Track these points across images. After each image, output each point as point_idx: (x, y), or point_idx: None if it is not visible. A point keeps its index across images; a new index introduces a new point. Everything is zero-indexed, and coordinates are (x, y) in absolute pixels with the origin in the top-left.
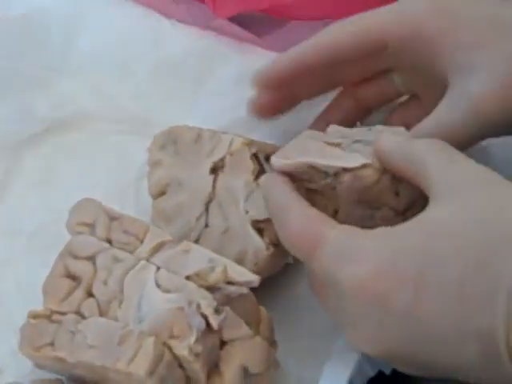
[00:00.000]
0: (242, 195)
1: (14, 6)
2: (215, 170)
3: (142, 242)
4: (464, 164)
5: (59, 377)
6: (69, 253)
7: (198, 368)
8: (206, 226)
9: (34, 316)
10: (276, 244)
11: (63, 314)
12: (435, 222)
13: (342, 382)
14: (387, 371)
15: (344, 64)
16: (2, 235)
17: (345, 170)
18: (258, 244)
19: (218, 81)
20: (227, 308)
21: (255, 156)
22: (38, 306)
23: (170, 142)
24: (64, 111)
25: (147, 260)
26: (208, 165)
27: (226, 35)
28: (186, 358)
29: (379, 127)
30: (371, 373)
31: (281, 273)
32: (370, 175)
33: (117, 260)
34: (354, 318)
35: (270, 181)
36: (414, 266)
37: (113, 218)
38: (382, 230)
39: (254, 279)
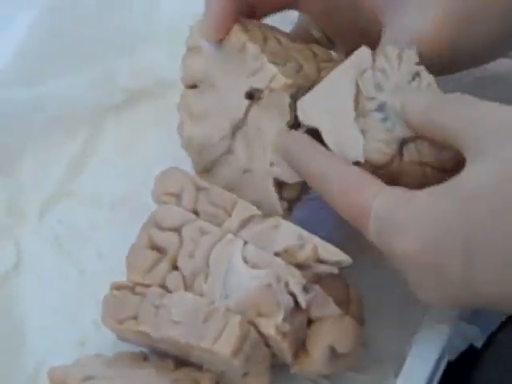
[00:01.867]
0: (268, 142)
1: None
2: (251, 96)
3: (229, 214)
4: (500, 116)
5: (142, 349)
6: (154, 223)
7: (285, 347)
8: (228, 151)
9: (117, 287)
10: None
11: (147, 286)
12: (475, 183)
13: (433, 356)
14: (479, 345)
15: None
16: (84, 205)
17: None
18: (273, 203)
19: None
20: (316, 286)
21: (294, 99)
22: (121, 278)
23: None
24: (145, 79)
25: (234, 234)
26: (245, 87)
27: None
28: (273, 336)
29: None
30: (462, 346)
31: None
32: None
33: (203, 232)
34: (416, 284)
35: (298, 142)
36: (459, 232)
37: (200, 188)
38: (423, 197)
39: (346, 259)
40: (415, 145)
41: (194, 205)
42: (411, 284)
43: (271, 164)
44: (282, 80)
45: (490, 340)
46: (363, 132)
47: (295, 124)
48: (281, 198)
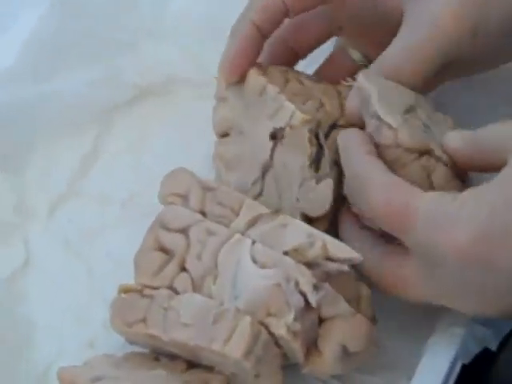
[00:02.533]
0: (296, 179)
1: None
2: (275, 136)
3: (237, 214)
4: None
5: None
6: (160, 225)
7: (296, 347)
8: (260, 194)
9: (126, 290)
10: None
11: (155, 288)
12: None
13: (448, 359)
14: (493, 347)
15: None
16: (93, 203)
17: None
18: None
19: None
20: (326, 284)
21: (315, 135)
22: (130, 278)
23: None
24: (155, 77)
25: (242, 234)
26: (269, 128)
27: None
28: (284, 337)
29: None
30: (476, 349)
31: None
32: None
33: (210, 233)
34: (459, 287)
35: (346, 141)
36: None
37: (207, 188)
38: (470, 192)
39: (356, 256)
40: None
41: (201, 205)
42: (451, 294)
43: (297, 199)
44: (300, 116)
45: (505, 342)
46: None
47: (316, 159)
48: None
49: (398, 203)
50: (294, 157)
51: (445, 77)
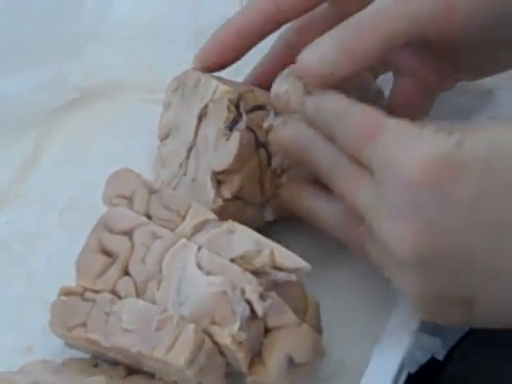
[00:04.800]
0: (211, 145)
1: None
2: (201, 116)
3: (183, 218)
4: None
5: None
6: (104, 226)
7: (240, 357)
8: (185, 174)
9: (66, 293)
10: (238, 197)
11: (97, 292)
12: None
13: (393, 368)
14: (440, 357)
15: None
16: (33, 207)
17: None
18: (209, 196)
19: (259, 50)
20: (273, 294)
21: (236, 105)
22: (70, 282)
23: (181, 84)
24: (97, 79)
25: (188, 239)
26: (196, 110)
27: None
28: (229, 346)
29: None
30: (423, 358)
31: (328, 258)
32: None
33: (156, 237)
34: (408, 207)
35: (325, 91)
36: (480, 156)
37: (152, 191)
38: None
39: (305, 266)
40: None
41: (146, 208)
42: (396, 212)
43: (209, 161)
44: (221, 88)
45: (452, 352)
46: None
47: (233, 122)
48: (218, 195)
49: (370, 118)
50: (214, 126)
51: (432, 68)
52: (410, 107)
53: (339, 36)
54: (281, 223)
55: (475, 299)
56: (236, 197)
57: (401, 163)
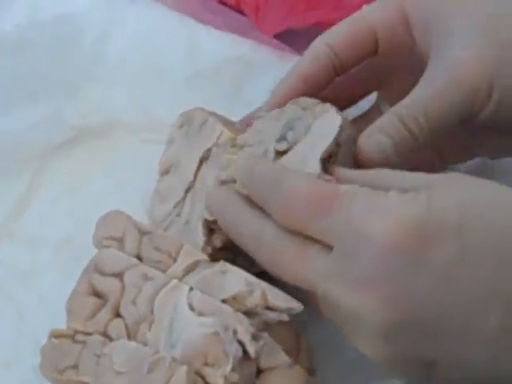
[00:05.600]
0: (208, 191)
1: (46, 10)
2: (203, 159)
3: (174, 260)
4: None
5: None
6: (94, 268)
7: None
8: (178, 214)
9: (57, 335)
10: (225, 248)
11: (88, 334)
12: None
13: None
14: None
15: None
16: (26, 245)
17: None
18: (199, 243)
19: (255, 90)
20: (265, 334)
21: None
22: (62, 322)
23: (187, 122)
24: (94, 118)
25: (180, 280)
26: (199, 152)
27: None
28: None
29: None
30: None
31: None
32: None
33: (147, 278)
34: (379, 275)
35: (257, 159)
36: (451, 220)
37: (143, 232)
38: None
39: (297, 306)
40: None
41: (137, 250)
42: (361, 282)
43: (205, 208)
44: (227, 134)
45: None
46: None
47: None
48: (207, 243)
49: (323, 187)
50: (213, 171)
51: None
52: None
53: (395, 127)
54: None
55: (440, 361)
56: (226, 247)
57: (369, 231)
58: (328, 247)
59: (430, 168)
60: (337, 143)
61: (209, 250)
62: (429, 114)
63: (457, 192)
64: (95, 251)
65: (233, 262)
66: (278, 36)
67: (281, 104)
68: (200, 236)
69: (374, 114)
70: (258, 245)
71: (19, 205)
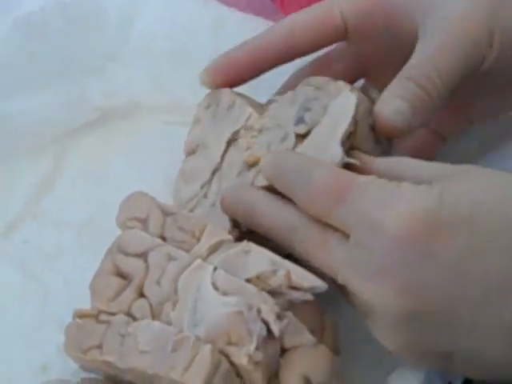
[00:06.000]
0: (235, 172)
1: None
2: (231, 141)
3: (198, 240)
4: None
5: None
6: (118, 249)
7: (257, 377)
8: (205, 196)
9: (81, 315)
10: (250, 231)
11: (112, 314)
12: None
13: None
14: (458, 382)
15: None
16: (50, 226)
17: None
18: (225, 226)
19: (277, 73)
20: (289, 313)
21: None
22: (86, 303)
23: (214, 102)
24: (117, 100)
25: (204, 260)
26: (227, 134)
27: None
28: (245, 366)
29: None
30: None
31: None
32: None
33: (171, 258)
34: (391, 265)
35: (281, 152)
36: (463, 212)
37: (167, 213)
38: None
39: (321, 285)
40: None
41: (161, 230)
42: (373, 273)
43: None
44: (255, 116)
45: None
46: None
47: None
48: (234, 226)
49: (340, 177)
50: (241, 154)
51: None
52: (418, 155)
53: (409, 89)
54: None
55: (455, 352)
56: (251, 230)
57: (382, 221)
58: (346, 236)
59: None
60: (354, 121)
61: (235, 232)
62: (439, 69)
63: (470, 184)
64: (117, 233)
65: (258, 243)
66: None
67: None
68: (226, 219)
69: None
70: (286, 233)
71: (43, 186)
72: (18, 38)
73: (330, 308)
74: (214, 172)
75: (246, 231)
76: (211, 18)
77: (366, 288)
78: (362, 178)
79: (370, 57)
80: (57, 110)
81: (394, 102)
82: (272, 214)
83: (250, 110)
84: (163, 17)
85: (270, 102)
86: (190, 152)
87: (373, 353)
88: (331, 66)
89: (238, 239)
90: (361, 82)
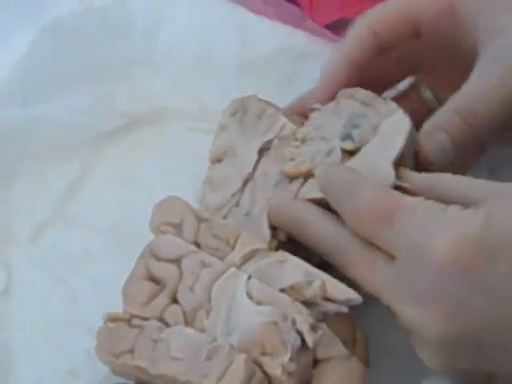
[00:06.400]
0: (272, 183)
1: None
2: (262, 150)
3: (232, 248)
4: None
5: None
6: (151, 253)
7: None
8: (237, 204)
9: (113, 319)
10: (291, 241)
11: (144, 319)
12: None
13: None
14: None
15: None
16: (78, 230)
17: None
18: (263, 234)
19: (306, 81)
20: (323, 325)
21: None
22: (114, 307)
23: (241, 110)
24: (145, 106)
25: (238, 268)
26: (258, 143)
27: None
28: (279, 377)
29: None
30: None
31: None
32: None
33: (204, 265)
34: (435, 291)
35: (332, 166)
36: (510, 237)
37: (201, 219)
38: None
39: (356, 297)
40: None
41: (194, 236)
42: (421, 298)
43: (268, 200)
44: (290, 126)
45: None
46: None
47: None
48: (273, 236)
49: (388, 197)
50: (277, 164)
51: None
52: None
53: (455, 124)
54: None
55: (499, 375)
56: (290, 240)
57: (427, 247)
58: (392, 257)
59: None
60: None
61: (274, 243)
62: (490, 109)
63: None
64: (145, 237)
65: (293, 253)
66: (330, 26)
67: (333, 91)
68: (265, 230)
69: (413, 96)
70: (333, 248)
71: (71, 190)
72: (46, 43)
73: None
74: (245, 181)
75: (284, 241)
76: (238, 24)
77: (410, 312)
78: (409, 200)
79: (428, 55)
80: (85, 115)
81: (438, 137)
82: (321, 228)
83: (283, 119)
84: (190, 23)
85: (312, 109)
86: (216, 159)
87: (402, 361)
88: (388, 53)
89: (276, 249)
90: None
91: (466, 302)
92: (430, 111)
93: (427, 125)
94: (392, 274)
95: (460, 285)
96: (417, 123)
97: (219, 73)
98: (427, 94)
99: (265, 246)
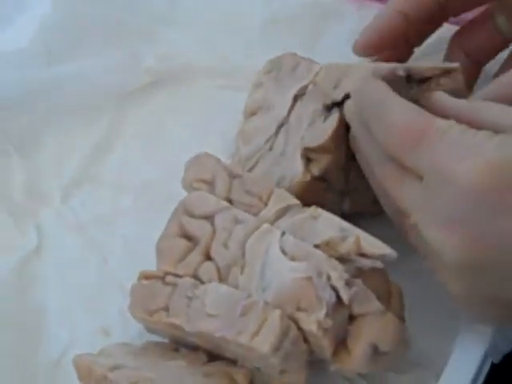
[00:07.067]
0: (306, 122)
1: None
2: (297, 96)
3: (265, 204)
4: None
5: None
6: (185, 210)
7: (325, 344)
8: (271, 149)
9: (147, 276)
10: (323, 178)
11: (179, 276)
12: None
13: (476, 359)
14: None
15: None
16: (108, 189)
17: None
18: (297, 170)
19: (332, 38)
20: (359, 281)
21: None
22: (146, 266)
23: (276, 67)
24: (171, 64)
25: (271, 224)
26: (294, 90)
27: None
28: (314, 333)
29: None
30: (506, 348)
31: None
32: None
33: (238, 221)
34: (461, 216)
35: (367, 80)
36: None
37: (233, 175)
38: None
39: (391, 253)
40: None
41: (227, 193)
42: (448, 223)
43: (302, 138)
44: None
45: None
46: None
47: (330, 105)
48: (306, 171)
49: (419, 119)
50: (310, 106)
51: None
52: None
53: None
54: (356, 218)
55: None
56: (322, 177)
57: (454, 171)
58: (420, 178)
59: None
60: None
61: (308, 177)
62: None
63: None
64: (175, 195)
65: (324, 194)
66: None
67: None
68: (299, 164)
69: (488, 24)
70: (367, 166)
71: (98, 150)
72: (70, 2)
73: (394, 275)
74: (279, 126)
75: (317, 176)
76: None
77: (434, 234)
78: (441, 122)
79: None
80: (110, 74)
81: None
82: (365, 140)
83: (319, 66)
84: None
85: None
86: (250, 114)
87: (437, 318)
88: None
89: (308, 184)
90: None
91: (487, 227)
92: (504, 40)
93: None
94: (418, 195)
95: (482, 210)
96: (491, 51)
97: (245, 30)
98: (502, 21)
99: (297, 202)
